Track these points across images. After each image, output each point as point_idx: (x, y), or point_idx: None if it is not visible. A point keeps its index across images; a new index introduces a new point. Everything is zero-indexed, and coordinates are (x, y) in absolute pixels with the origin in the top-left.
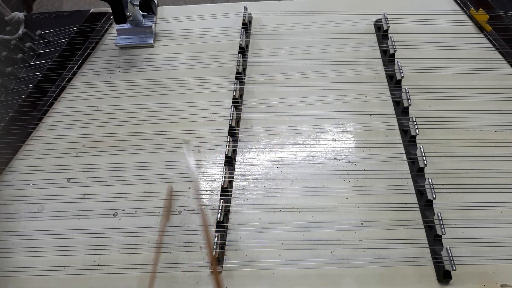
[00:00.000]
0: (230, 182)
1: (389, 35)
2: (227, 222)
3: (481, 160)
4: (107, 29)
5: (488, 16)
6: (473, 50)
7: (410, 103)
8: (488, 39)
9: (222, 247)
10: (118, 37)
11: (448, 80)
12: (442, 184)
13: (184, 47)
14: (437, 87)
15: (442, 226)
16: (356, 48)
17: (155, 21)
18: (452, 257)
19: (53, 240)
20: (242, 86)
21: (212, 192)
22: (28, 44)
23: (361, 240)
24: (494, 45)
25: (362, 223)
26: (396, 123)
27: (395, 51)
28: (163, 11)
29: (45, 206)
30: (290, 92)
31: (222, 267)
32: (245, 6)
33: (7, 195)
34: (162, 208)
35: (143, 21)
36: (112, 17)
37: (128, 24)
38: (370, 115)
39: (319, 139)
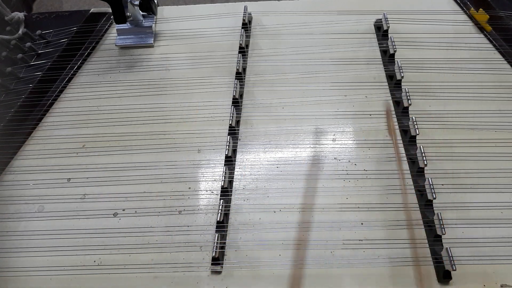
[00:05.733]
0: (230, 182)
1: (389, 35)
2: (227, 222)
3: (481, 160)
4: (107, 29)
5: (488, 16)
6: (473, 50)
7: (410, 103)
8: (488, 39)
9: (222, 247)
10: (118, 37)
11: (448, 80)
12: (442, 184)
13: (184, 47)
14: (437, 87)
15: (442, 226)
16: (356, 48)
17: (155, 21)
18: (452, 257)
19: (53, 240)
20: (242, 86)
21: (212, 192)
22: (28, 44)
23: (361, 240)
24: (494, 45)
25: (362, 223)
26: (396, 123)
27: (395, 51)
28: (163, 11)
29: (45, 206)
30: (290, 92)
31: (222, 267)
32: (245, 6)
33: (7, 195)
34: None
35: (143, 21)
36: (112, 17)
37: (128, 24)
38: (370, 115)
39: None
